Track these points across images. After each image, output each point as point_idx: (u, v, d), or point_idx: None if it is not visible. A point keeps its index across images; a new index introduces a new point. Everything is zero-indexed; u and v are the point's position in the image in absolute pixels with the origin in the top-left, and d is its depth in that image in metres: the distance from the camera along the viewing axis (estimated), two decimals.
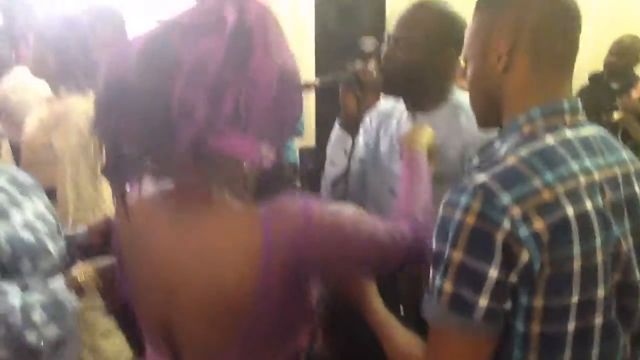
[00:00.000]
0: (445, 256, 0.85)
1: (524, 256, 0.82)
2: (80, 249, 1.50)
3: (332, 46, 4.08)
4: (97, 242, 1.54)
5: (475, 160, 1.00)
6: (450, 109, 1.46)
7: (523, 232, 0.82)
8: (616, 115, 3.08)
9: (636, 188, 0.95)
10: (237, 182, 0.88)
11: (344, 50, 4.04)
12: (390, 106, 1.61)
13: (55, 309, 1.27)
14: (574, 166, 0.87)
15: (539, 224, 0.82)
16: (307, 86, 1.43)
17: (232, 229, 0.85)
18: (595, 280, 0.87)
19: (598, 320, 0.88)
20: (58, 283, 1.31)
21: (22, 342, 1.20)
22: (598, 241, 0.86)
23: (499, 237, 0.82)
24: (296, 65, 0.88)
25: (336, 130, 1.54)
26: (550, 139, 0.90)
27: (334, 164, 1.53)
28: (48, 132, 2.22)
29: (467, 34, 1.03)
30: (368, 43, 4.02)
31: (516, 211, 0.82)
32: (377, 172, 1.58)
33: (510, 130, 0.95)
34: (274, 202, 0.86)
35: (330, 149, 1.56)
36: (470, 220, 0.83)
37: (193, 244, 0.85)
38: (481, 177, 0.85)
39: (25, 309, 1.21)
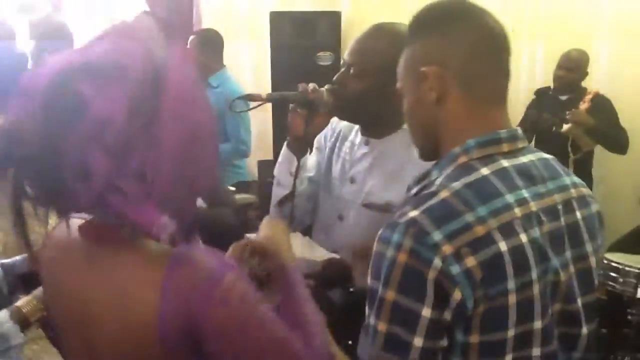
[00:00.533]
0: (379, 294, 0.84)
1: (457, 294, 0.81)
2: (20, 278, 1.42)
3: (288, 61, 4.08)
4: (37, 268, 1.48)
5: (413, 190, 0.98)
6: (405, 136, 1.40)
7: (455, 269, 0.81)
8: (565, 128, 3.24)
9: (577, 215, 0.94)
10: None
11: (300, 64, 4.07)
12: (347, 127, 1.57)
13: (1, 341, 1.21)
14: (509, 198, 0.86)
15: (471, 261, 0.81)
16: (254, 99, 1.41)
17: (137, 273, 0.80)
18: (531, 312, 0.86)
19: (536, 351, 0.88)
20: (1, 315, 1.24)
21: None
22: (534, 273, 0.85)
23: (431, 276, 0.80)
24: (210, 114, 0.82)
25: (283, 150, 1.51)
26: (485, 170, 0.89)
27: (280, 184, 1.51)
28: None
29: (400, 64, 1.01)
30: (325, 58, 4.06)
31: (447, 249, 0.81)
32: (327, 196, 1.57)
33: (447, 160, 0.94)
34: (187, 251, 0.80)
35: (277, 169, 1.54)
36: (402, 258, 0.82)
37: (104, 283, 0.81)
38: (413, 213, 0.84)
39: None
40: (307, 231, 1.64)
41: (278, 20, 4.09)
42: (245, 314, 0.79)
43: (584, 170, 3.31)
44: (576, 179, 1.00)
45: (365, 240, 1.15)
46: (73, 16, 3.90)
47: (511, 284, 0.83)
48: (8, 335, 1.24)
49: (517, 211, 0.86)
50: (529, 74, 3.70)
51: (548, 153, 3.52)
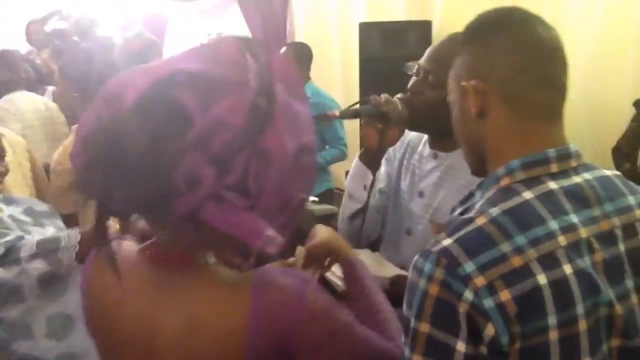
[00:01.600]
0: (412, 326, 0.80)
1: (489, 330, 0.76)
2: None
3: (376, 71, 4.07)
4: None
5: (457, 211, 0.93)
6: None
7: (488, 303, 0.76)
8: None
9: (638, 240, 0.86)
10: (230, 248, 0.82)
11: (389, 75, 4.03)
12: (416, 137, 1.53)
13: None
14: (553, 225, 0.80)
15: (505, 295, 0.76)
16: (327, 117, 1.38)
17: (217, 301, 0.78)
18: (578, 350, 0.79)
19: None
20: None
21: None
22: (580, 308, 0.78)
23: (462, 309, 0.76)
24: (314, 142, 0.79)
25: (356, 163, 1.49)
26: (527, 194, 0.83)
27: (353, 198, 1.48)
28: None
29: (449, 77, 0.97)
30: (414, 67, 4.00)
31: (480, 281, 0.76)
32: (396, 210, 1.53)
33: (490, 181, 0.89)
34: (266, 275, 0.79)
35: (348, 183, 1.51)
36: (434, 290, 0.78)
37: (175, 310, 0.79)
38: (446, 242, 0.80)
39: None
40: (374, 244, 1.62)
41: (367, 31, 4.09)
42: (333, 324, 0.80)
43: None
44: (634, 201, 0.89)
45: None
46: None
47: (552, 320, 0.78)
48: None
49: (562, 239, 0.80)
50: (633, 82, 3.45)
51: None
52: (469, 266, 0.78)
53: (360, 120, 1.51)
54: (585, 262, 0.81)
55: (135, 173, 0.69)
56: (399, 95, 1.40)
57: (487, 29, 0.92)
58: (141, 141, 0.68)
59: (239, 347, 0.76)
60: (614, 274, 0.84)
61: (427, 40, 4.04)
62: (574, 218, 0.83)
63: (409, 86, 1.42)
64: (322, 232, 1.15)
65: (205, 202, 0.69)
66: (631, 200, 0.89)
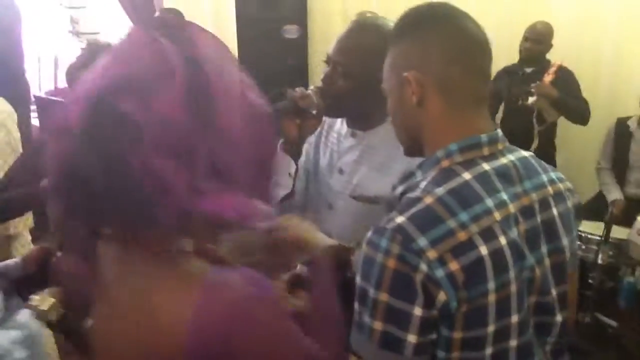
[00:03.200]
0: (371, 296, 0.88)
1: (441, 296, 0.86)
2: (14, 282, 1.40)
3: (254, 35, 4.02)
4: (33, 271, 1.41)
5: (398, 189, 1.01)
6: (391, 129, 1.39)
7: (439, 273, 0.86)
8: (531, 100, 3.30)
9: (554, 211, 0.99)
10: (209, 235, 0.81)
11: (267, 38, 4.01)
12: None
13: (31, 343, 1.22)
14: (489, 203, 0.91)
15: (454, 265, 0.86)
16: None
17: (172, 291, 0.75)
18: (509, 308, 0.91)
19: (513, 342, 0.93)
20: (24, 316, 1.23)
21: None
22: (512, 273, 0.90)
23: (418, 279, 0.86)
24: (258, 93, 0.79)
25: (279, 152, 1.51)
26: (466, 175, 0.93)
27: (279, 185, 1.51)
28: None
29: (385, 65, 1.04)
30: (291, 31, 4.02)
31: (432, 254, 0.86)
32: (316, 185, 1.59)
33: (430, 163, 0.98)
34: (222, 272, 0.77)
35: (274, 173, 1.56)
36: (391, 263, 0.86)
37: (133, 296, 0.77)
38: (399, 219, 0.89)
39: (10, 348, 1.17)
40: None
41: None
42: (278, 337, 0.79)
43: (547, 140, 3.42)
44: (554, 175, 1.03)
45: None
46: None
47: (491, 285, 0.89)
48: (36, 336, 1.23)
49: (497, 215, 0.91)
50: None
51: (515, 125, 3.63)
52: (421, 241, 0.86)
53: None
54: (513, 233, 0.92)
55: (105, 199, 0.67)
56: (312, 87, 1.43)
57: (421, 22, 0.99)
58: (99, 167, 0.65)
59: (179, 342, 0.72)
60: (533, 242, 0.95)
61: (303, 3, 4.07)
62: (504, 195, 0.93)
63: (321, 77, 1.45)
64: (297, 225, 1.19)
65: (185, 198, 0.67)
66: (544, 177, 1.01)
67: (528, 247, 0.94)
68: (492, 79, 3.51)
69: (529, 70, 3.42)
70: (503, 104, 3.49)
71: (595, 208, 3.28)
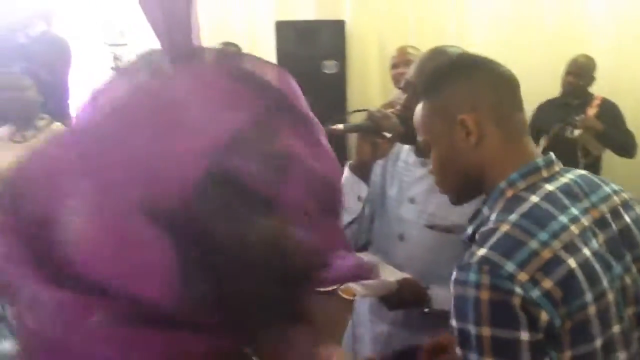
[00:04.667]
0: (473, 334, 0.87)
1: (543, 316, 0.86)
2: None
3: (293, 70, 4.04)
4: None
5: (469, 231, 1.02)
6: None
7: (535, 294, 0.85)
8: (576, 133, 3.30)
9: (626, 218, 1.00)
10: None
11: (306, 73, 4.06)
12: (398, 145, 1.55)
13: None
14: (563, 219, 0.92)
15: (547, 283, 0.86)
16: (332, 131, 1.38)
17: None
18: (610, 319, 0.91)
19: (622, 355, 0.92)
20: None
21: None
22: (605, 283, 0.90)
23: (516, 303, 0.85)
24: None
25: (347, 175, 1.48)
26: (534, 197, 0.95)
27: (346, 209, 1.48)
28: None
29: (418, 119, 1.09)
30: (330, 66, 4.08)
31: (523, 276, 0.86)
32: (384, 217, 1.56)
33: (495, 196, 1.00)
34: None
35: None
36: (485, 295, 0.86)
37: None
38: (481, 252, 0.89)
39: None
40: (359, 251, 1.65)
41: (284, 29, 4.09)
42: None
43: (593, 173, 3.37)
44: (615, 186, 1.05)
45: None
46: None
47: (589, 297, 0.88)
48: None
49: (574, 229, 0.91)
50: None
51: (559, 157, 3.62)
52: (509, 266, 0.86)
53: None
54: (594, 245, 0.92)
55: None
56: (391, 110, 1.43)
57: (460, 70, 1.07)
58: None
59: None
60: (616, 251, 0.95)
61: (341, 39, 4.14)
62: (575, 211, 0.94)
63: (400, 102, 1.44)
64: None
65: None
66: (607, 189, 1.03)
67: (612, 256, 0.94)
68: (534, 112, 3.56)
69: (572, 103, 3.41)
70: (545, 138, 3.48)
71: None
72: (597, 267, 0.90)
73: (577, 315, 0.87)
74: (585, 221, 0.93)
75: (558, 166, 1.02)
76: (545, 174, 0.98)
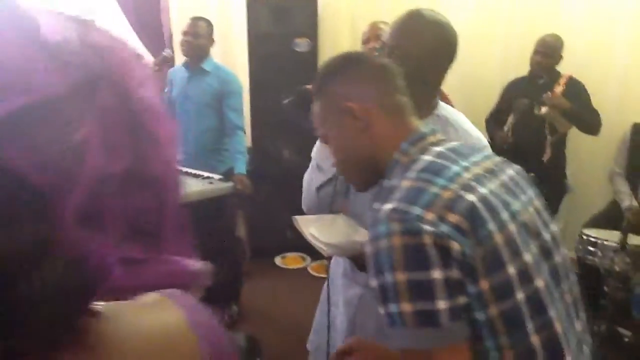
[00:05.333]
0: (390, 283, 0.91)
1: (455, 246, 0.91)
2: None
3: (265, 47, 4.06)
4: None
5: (377, 205, 1.06)
6: (436, 122, 1.47)
7: (444, 228, 0.91)
8: (543, 110, 3.37)
9: (509, 171, 1.10)
10: None
11: (278, 52, 4.05)
12: None
13: None
14: (456, 168, 1.01)
15: (453, 217, 0.92)
16: (308, 92, 1.39)
17: None
18: (518, 247, 0.96)
19: (539, 282, 0.97)
20: None
21: None
22: (504, 215, 0.97)
23: (427, 240, 0.90)
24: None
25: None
26: (427, 157, 1.04)
27: (321, 169, 1.51)
28: None
29: (315, 117, 1.18)
30: (302, 44, 4.06)
31: (430, 215, 0.92)
32: None
33: (392, 167, 1.08)
34: None
35: (316, 154, 1.53)
36: (397, 241, 0.91)
37: None
38: (387, 205, 0.95)
39: None
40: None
41: (256, 7, 4.05)
42: None
43: (558, 150, 3.45)
44: (488, 152, 1.18)
45: None
46: None
47: (492, 226, 0.95)
48: None
49: (467, 175, 1.00)
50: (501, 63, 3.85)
51: (526, 135, 3.73)
52: (416, 210, 0.92)
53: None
54: (490, 186, 1.01)
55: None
56: None
57: (345, 66, 1.16)
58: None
59: None
60: (510, 193, 1.04)
61: (313, 17, 4.12)
62: (465, 163, 1.04)
63: None
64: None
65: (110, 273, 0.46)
66: (486, 152, 1.20)
67: (508, 196, 1.02)
68: (502, 90, 3.62)
69: (540, 81, 3.47)
70: (512, 116, 3.55)
71: (611, 216, 3.31)
72: (495, 201, 0.98)
73: (485, 243, 0.93)
74: (477, 170, 1.03)
75: (441, 135, 1.14)
76: (432, 139, 1.09)
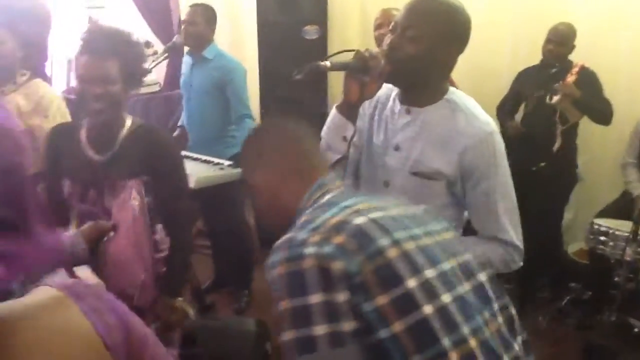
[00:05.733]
0: (280, 311, 0.93)
1: (337, 266, 0.90)
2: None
3: (274, 36, 4.04)
4: (88, 248, 1.50)
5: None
6: (446, 107, 1.47)
7: (328, 248, 0.91)
8: (555, 99, 3.34)
9: (415, 208, 1.15)
10: None
11: (287, 40, 4.03)
12: (384, 94, 1.57)
13: None
14: (351, 201, 1.07)
15: (339, 239, 0.93)
16: (318, 68, 1.38)
17: None
18: (416, 262, 0.95)
19: (446, 298, 0.95)
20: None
21: None
22: (402, 234, 0.97)
23: (308, 264, 0.90)
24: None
25: (333, 116, 1.50)
26: (325, 197, 1.12)
27: (331, 148, 1.50)
28: (25, 118, 2.17)
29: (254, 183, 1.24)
30: (311, 32, 4.04)
31: (315, 238, 0.94)
32: (370, 164, 1.59)
33: (299, 216, 1.11)
34: None
35: (325, 134, 1.53)
36: (281, 269, 0.93)
37: None
38: (281, 240, 1.00)
39: None
40: None
41: None
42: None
43: (570, 140, 3.43)
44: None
45: None
46: None
47: (384, 242, 0.95)
48: None
49: (362, 206, 1.05)
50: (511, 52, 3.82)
51: (537, 124, 3.71)
52: (302, 234, 0.96)
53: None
54: (385, 213, 1.07)
55: None
56: (377, 50, 1.42)
57: (254, 152, 1.24)
58: None
59: None
60: (414, 220, 1.09)
61: (323, 4, 4.09)
62: (351, 201, 1.09)
63: (387, 42, 1.44)
64: None
65: None
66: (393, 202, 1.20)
67: (408, 220, 1.06)
68: (514, 79, 3.60)
69: (551, 70, 3.44)
70: (524, 105, 3.52)
71: (622, 206, 3.30)
72: (390, 222, 1.00)
73: (376, 258, 0.93)
74: (374, 203, 1.07)
75: (340, 183, 1.21)
76: (331, 187, 1.16)
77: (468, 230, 1.56)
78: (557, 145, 3.34)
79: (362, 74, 1.41)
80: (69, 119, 2.24)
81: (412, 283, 0.93)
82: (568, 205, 3.57)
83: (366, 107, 1.60)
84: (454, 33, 1.42)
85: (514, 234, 1.47)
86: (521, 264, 1.50)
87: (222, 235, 3.49)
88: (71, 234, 1.49)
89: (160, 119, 4.34)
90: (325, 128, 1.53)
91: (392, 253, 0.94)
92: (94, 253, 1.51)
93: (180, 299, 1.72)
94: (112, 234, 1.53)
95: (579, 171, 3.54)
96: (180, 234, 1.86)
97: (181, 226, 1.87)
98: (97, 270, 1.46)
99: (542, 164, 3.39)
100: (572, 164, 3.50)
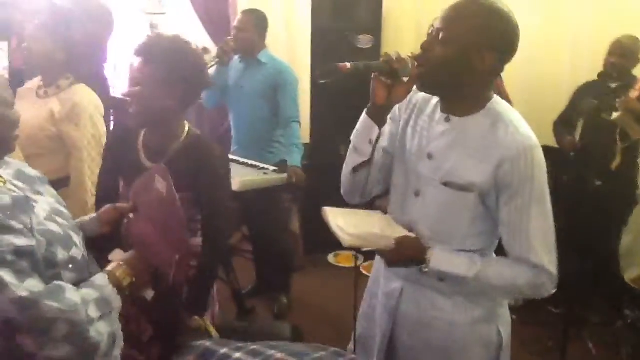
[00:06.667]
0: None
1: None
2: (89, 240, 1.44)
3: (328, 43, 4.05)
4: (107, 232, 1.52)
5: None
6: (487, 117, 1.41)
7: None
8: (615, 115, 3.18)
9: None
10: None
11: (340, 47, 4.03)
12: (423, 100, 1.53)
13: (104, 305, 1.25)
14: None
15: None
16: (340, 69, 1.35)
17: None
18: None
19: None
20: (100, 279, 1.30)
21: (86, 338, 1.17)
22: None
23: None
24: None
25: (363, 118, 1.47)
26: None
27: (357, 151, 1.48)
28: (58, 124, 2.23)
29: None
30: (365, 41, 4.03)
31: None
32: (402, 171, 1.55)
33: None
34: None
35: (354, 137, 1.50)
36: None
37: None
38: None
39: (84, 305, 1.19)
40: (372, 202, 1.69)
41: (319, 3, 4.05)
42: None
43: (630, 158, 3.27)
44: None
45: None
46: None
47: None
48: (110, 299, 1.27)
49: None
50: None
51: (596, 141, 3.52)
52: None
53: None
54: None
55: None
56: (410, 54, 1.39)
57: None
58: None
59: None
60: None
61: (377, 14, 4.07)
62: None
63: (421, 45, 1.41)
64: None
65: None
66: None
67: None
68: (573, 94, 3.46)
69: (613, 85, 3.29)
70: (582, 120, 3.38)
71: None
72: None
73: None
74: None
75: None
76: None
77: (502, 249, 1.49)
78: (616, 163, 3.18)
79: (389, 76, 1.38)
80: (100, 129, 2.30)
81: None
82: (627, 228, 3.38)
83: (402, 112, 1.56)
84: (491, 40, 1.35)
85: (546, 257, 1.37)
86: (553, 290, 1.41)
87: (264, 240, 3.51)
88: (88, 219, 1.54)
89: (213, 123, 4.44)
90: (354, 131, 1.50)
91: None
92: (117, 235, 1.54)
93: (197, 317, 1.71)
94: (131, 215, 1.56)
95: (639, 192, 3.36)
96: (212, 251, 1.83)
97: (214, 243, 1.84)
98: (127, 250, 1.49)
99: (599, 183, 3.23)
100: (632, 184, 3.33)
